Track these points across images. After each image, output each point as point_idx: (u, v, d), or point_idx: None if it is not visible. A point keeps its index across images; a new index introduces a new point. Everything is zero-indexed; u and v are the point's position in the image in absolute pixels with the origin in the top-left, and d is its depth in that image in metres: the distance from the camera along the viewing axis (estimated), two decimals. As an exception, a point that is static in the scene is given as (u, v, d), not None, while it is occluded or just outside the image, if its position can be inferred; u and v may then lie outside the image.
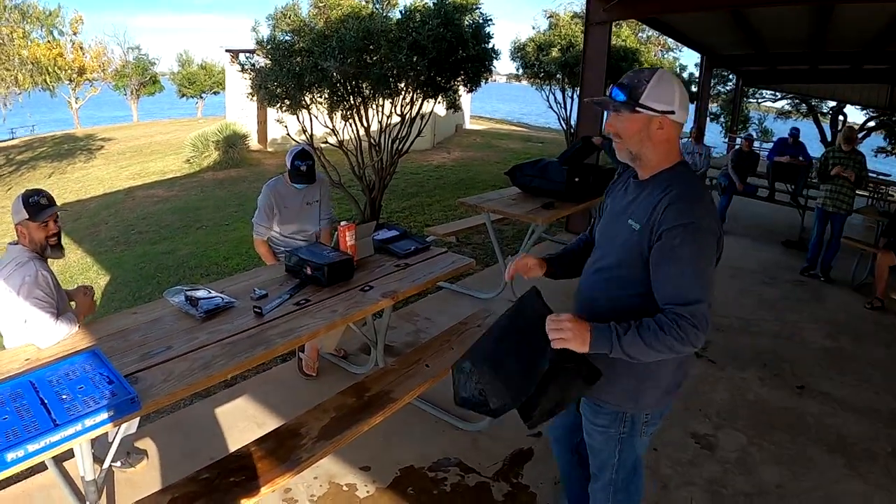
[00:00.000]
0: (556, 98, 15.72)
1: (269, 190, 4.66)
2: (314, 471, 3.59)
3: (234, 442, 3.98)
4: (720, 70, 24.45)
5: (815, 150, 14.12)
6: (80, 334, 3.17)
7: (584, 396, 2.43)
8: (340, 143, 8.72)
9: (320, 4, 8.07)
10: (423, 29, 7.50)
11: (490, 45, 8.41)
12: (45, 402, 2.48)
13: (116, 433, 2.71)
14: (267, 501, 3.43)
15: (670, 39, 20.11)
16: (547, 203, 5.70)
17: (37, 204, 3.26)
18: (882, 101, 19.45)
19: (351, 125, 8.50)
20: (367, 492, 3.53)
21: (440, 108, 9.45)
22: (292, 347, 3.38)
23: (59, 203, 3.39)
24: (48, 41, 27.70)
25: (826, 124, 27.29)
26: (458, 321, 4.17)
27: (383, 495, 3.52)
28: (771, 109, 36.34)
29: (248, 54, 9.78)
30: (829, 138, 25.53)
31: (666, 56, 26.61)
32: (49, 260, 3.35)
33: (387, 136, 8.76)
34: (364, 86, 8.02)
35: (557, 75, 14.97)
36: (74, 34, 34.33)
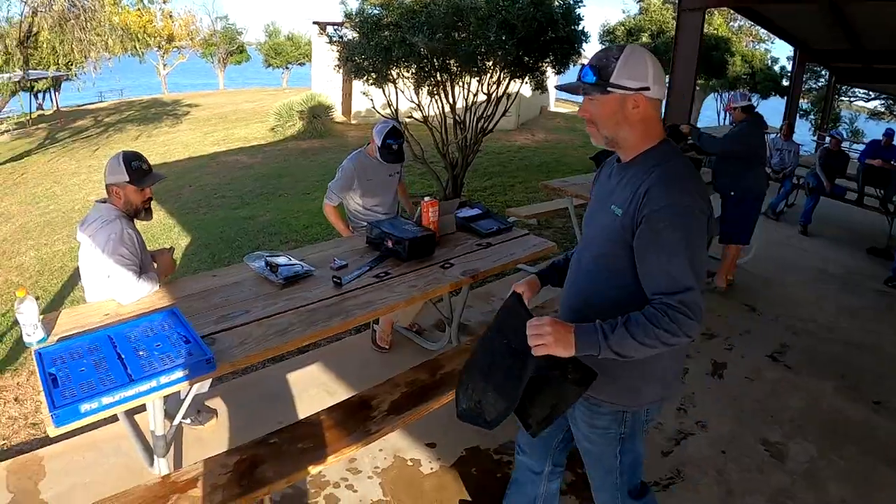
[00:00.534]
0: (642, 84, 15.36)
1: (353, 161, 4.65)
2: (380, 443, 3.57)
3: (303, 409, 3.98)
4: (812, 65, 23.50)
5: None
6: (161, 293, 3.21)
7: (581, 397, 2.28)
8: (425, 118, 8.68)
9: (410, -21, 8.00)
10: (513, 7, 7.37)
11: (580, 28, 8.22)
12: (122, 356, 2.50)
13: (189, 391, 2.73)
14: (331, 470, 3.44)
15: (763, 30, 19.49)
16: (633, 190, 5.56)
17: (139, 169, 3.29)
18: None
19: (437, 101, 8.46)
20: (431, 468, 3.51)
21: (526, 89, 9.32)
22: (369, 319, 3.35)
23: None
24: (138, 9, 28.35)
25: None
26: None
27: (447, 473, 3.50)
28: (863, 109, 35.08)
29: (336, 27, 9.80)
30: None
31: (757, 47, 25.89)
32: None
33: (472, 115, 8.67)
34: (451, 63, 7.95)
35: (646, 61, 14.60)
36: (164, 2, 35.18)
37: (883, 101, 29.20)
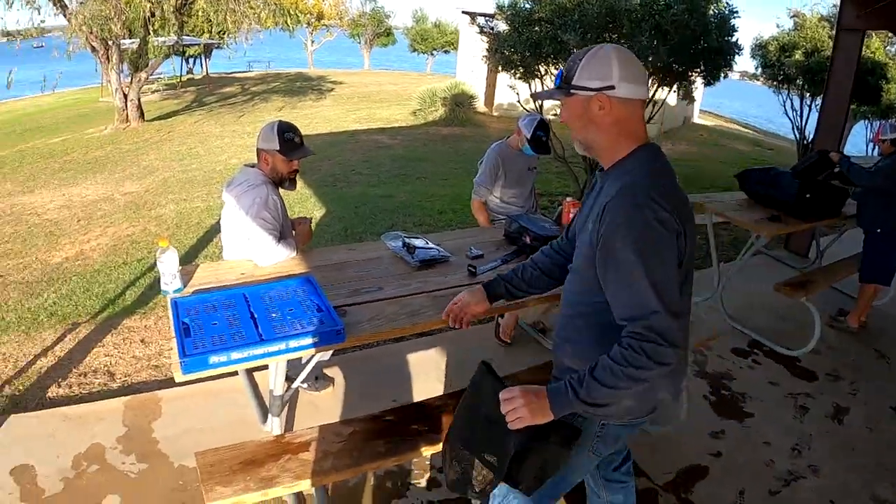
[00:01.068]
0: (792, 104, 14.71)
1: (495, 153, 4.63)
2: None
3: (419, 391, 3.99)
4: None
5: None
6: (297, 260, 3.27)
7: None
8: (569, 116, 8.49)
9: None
10: (667, 13, 7.16)
11: (734, 39, 7.97)
12: (255, 316, 2.55)
13: (312, 357, 2.74)
14: (438, 455, 3.41)
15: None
16: (774, 216, 5.32)
17: (291, 141, 3.36)
18: None
19: (583, 101, 8.30)
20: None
21: (671, 98, 9.08)
22: (499, 313, 3.31)
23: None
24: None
25: None
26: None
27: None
28: None
29: (486, 18, 9.79)
30: None
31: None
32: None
33: (616, 118, 8.46)
34: (601, 64, 7.80)
35: (798, 80, 13.98)
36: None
37: None
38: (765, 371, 4.64)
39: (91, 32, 16.02)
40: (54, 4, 16.20)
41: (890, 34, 14.86)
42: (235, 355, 2.32)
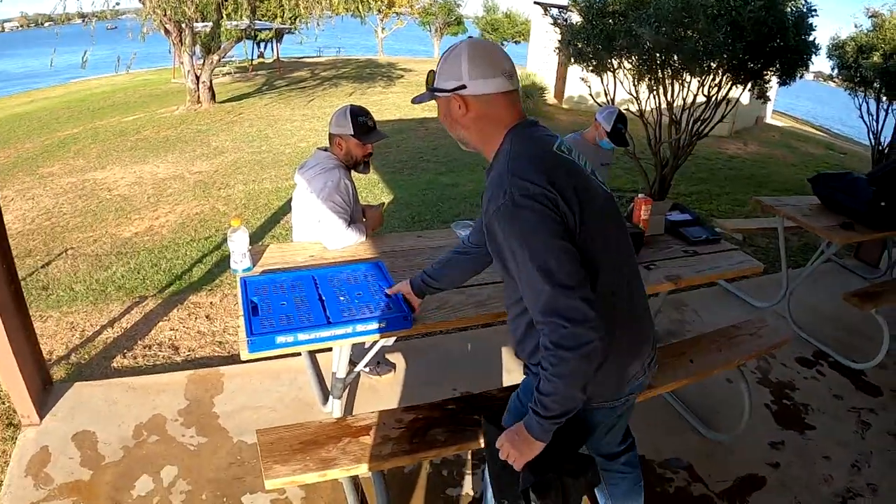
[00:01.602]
0: (868, 108, 14.21)
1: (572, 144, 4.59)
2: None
3: (479, 382, 3.97)
4: None
5: None
6: (366, 245, 3.29)
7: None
8: (641, 112, 8.44)
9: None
10: (744, 9, 6.98)
11: (811, 38, 7.71)
12: (323, 299, 2.57)
13: (375, 342, 2.75)
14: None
15: None
16: (846, 223, 5.16)
17: (364, 125, 3.38)
18: None
19: (654, 96, 8.20)
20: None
21: (744, 96, 8.89)
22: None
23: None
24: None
25: None
26: (730, 324, 3.86)
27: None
28: None
29: (560, 9, 9.70)
30: None
31: None
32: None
33: (688, 115, 8.34)
34: (675, 59, 7.67)
35: (875, 83, 13.51)
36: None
37: None
38: (828, 383, 4.51)
39: (165, 15, 16.29)
40: (130, -14, 16.56)
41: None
42: (302, 336, 2.34)
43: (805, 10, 7.61)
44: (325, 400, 3.65)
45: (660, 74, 7.91)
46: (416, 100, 2.05)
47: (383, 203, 3.91)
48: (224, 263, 6.16)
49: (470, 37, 2.99)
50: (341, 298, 2.58)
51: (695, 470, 3.51)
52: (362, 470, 2.42)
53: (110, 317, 5.17)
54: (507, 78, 1.88)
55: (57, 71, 20.03)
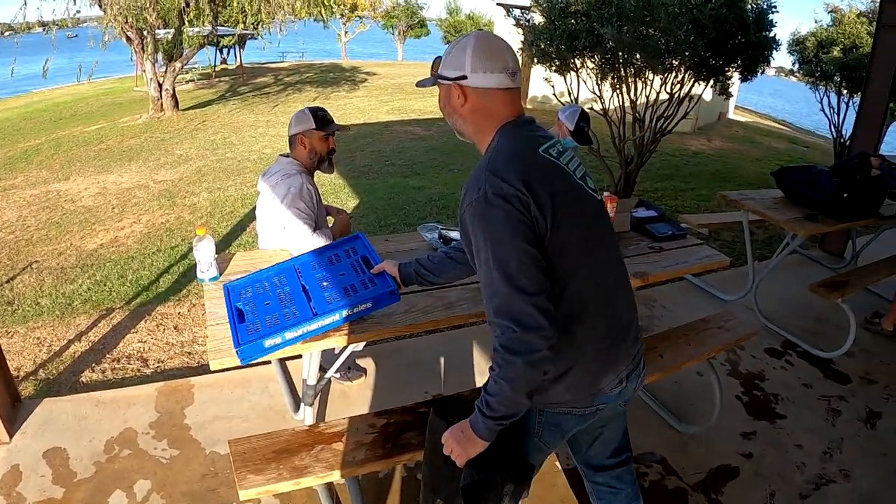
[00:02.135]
0: (829, 101, 14.43)
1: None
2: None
3: (452, 384, 3.99)
4: None
5: None
6: (334, 249, 3.26)
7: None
8: (605, 111, 8.51)
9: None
10: (706, 7, 7.09)
11: (772, 34, 7.87)
12: (307, 288, 2.54)
13: (345, 347, 2.75)
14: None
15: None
16: (811, 214, 5.23)
17: (324, 118, 3.39)
18: None
19: (618, 95, 8.26)
20: (568, 464, 3.41)
21: (706, 93, 9.00)
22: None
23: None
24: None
25: None
26: (698, 318, 3.90)
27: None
28: None
29: (522, 10, 9.74)
30: None
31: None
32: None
33: (652, 113, 8.42)
34: (637, 58, 7.74)
35: (835, 77, 13.73)
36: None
37: None
38: (798, 372, 4.57)
39: (126, 22, 16.18)
40: (90, -6, 16.39)
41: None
42: (290, 335, 2.32)
43: (765, 6, 7.75)
44: (297, 407, 3.63)
45: (623, 73, 7.97)
46: (420, 84, 2.07)
47: (351, 215, 3.91)
48: (191, 273, 6.12)
49: (479, 29, 3.00)
50: (324, 284, 2.55)
51: (668, 463, 3.54)
52: (336, 477, 2.41)
53: (77, 330, 5.12)
54: (508, 75, 1.90)
55: (17, 81, 19.79)
